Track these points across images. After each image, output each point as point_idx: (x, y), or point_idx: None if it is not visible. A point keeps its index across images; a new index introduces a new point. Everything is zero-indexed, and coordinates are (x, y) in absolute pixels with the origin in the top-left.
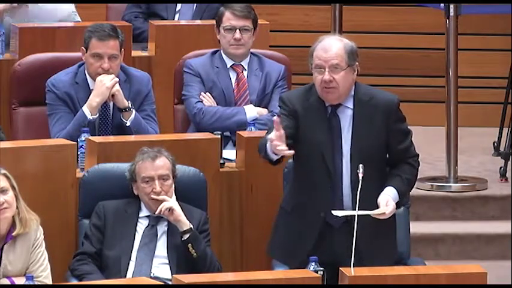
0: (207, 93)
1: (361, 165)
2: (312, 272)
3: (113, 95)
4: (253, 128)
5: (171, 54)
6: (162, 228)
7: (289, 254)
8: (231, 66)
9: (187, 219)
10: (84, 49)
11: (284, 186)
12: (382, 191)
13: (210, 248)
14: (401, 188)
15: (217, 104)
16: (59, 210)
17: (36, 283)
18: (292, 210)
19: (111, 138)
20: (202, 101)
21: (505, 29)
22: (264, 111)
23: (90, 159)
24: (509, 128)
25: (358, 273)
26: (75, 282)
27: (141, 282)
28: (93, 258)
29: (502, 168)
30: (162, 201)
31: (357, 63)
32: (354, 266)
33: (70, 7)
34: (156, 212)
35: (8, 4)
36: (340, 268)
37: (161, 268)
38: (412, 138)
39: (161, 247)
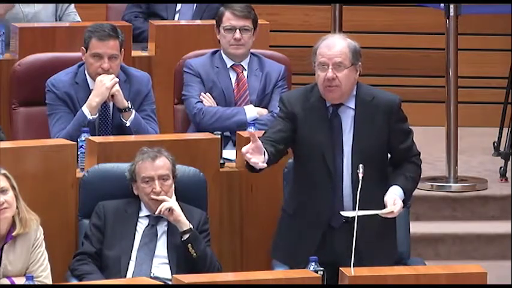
0: (207, 93)
1: (361, 165)
2: (312, 272)
3: (112, 95)
4: (253, 128)
5: (171, 54)
6: (162, 228)
7: (293, 256)
8: (231, 66)
9: (187, 219)
10: (84, 49)
11: (284, 186)
12: (382, 191)
13: (210, 248)
14: (407, 186)
15: (217, 104)
16: (59, 210)
17: (36, 283)
18: (294, 213)
19: (111, 138)
20: (202, 101)
21: (505, 29)
22: (264, 111)
23: (90, 159)
24: (509, 128)
25: (358, 273)
26: (75, 282)
27: (141, 282)
28: (93, 258)
29: (502, 168)
30: (162, 201)
31: (360, 63)
32: (354, 266)
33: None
34: (156, 212)
35: (8, 4)
36: (340, 268)
37: (161, 268)
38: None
39: (161, 247)
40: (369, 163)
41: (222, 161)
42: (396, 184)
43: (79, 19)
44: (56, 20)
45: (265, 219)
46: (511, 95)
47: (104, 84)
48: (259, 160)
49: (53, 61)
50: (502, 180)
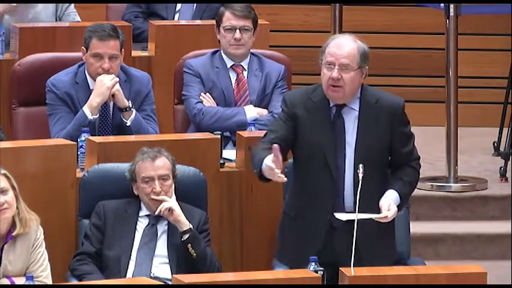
0: (207, 93)
1: (361, 165)
2: (312, 272)
3: (113, 95)
4: (253, 128)
5: (171, 54)
6: (162, 227)
7: (299, 258)
8: (231, 66)
9: (187, 219)
10: (85, 49)
11: (284, 186)
12: (382, 192)
13: (210, 248)
14: (403, 191)
15: (217, 105)
16: (59, 210)
17: (36, 283)
18: (295, 215)
19: (111, 138)
20: (202, 102)
21: (505, 29)
22: (264, 111)
23: (90, 159)
24: (509, 128)
25: (358, 273)
26: (75, 282)
27: (141, 282)
28: (93, 258)
29: (502, 168)
30: (161, 201)
31: (367, 66)
32: (354, 266)
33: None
34: (156, 212)
35: (8, 4)
36: (340, 268)
37: (161, 268)
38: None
39: (161, 246)
40: (371, 164)
41: (222, 161)
42: (393, 188)
43: (79, 19)
44: (56, 20)
45: (265, 219)
46: (511, 95)
47: (105, 84)
48: (282, 175)
49: (53, 61)
50: (502, 180)
